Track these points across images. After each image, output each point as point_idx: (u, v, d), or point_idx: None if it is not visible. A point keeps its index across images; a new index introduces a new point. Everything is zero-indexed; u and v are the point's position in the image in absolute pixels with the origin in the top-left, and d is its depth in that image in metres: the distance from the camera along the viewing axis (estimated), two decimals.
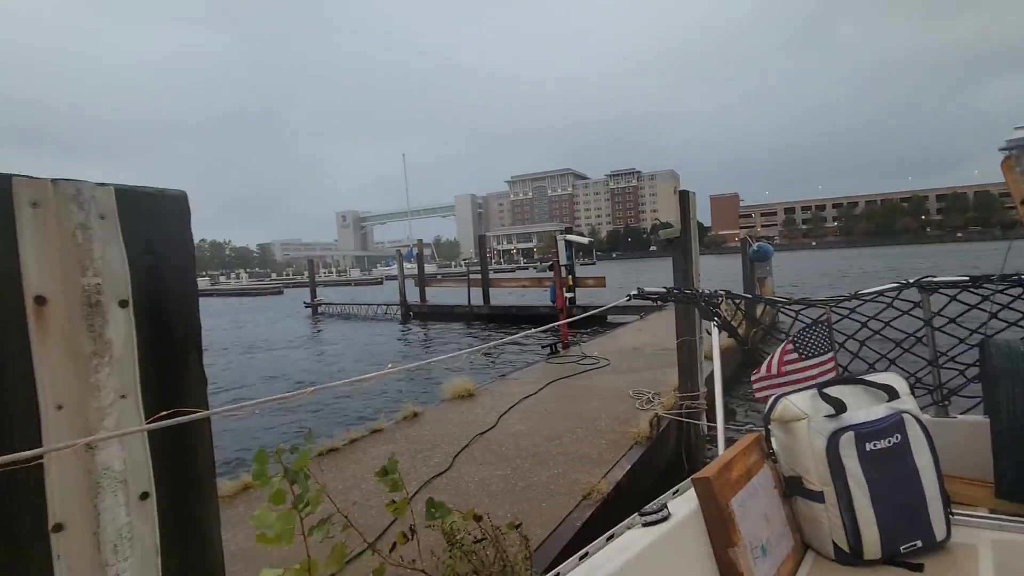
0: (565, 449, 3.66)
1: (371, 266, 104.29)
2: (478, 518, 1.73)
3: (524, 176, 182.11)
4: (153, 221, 0.86)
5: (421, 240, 25.39)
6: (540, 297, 16.36)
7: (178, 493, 0.87)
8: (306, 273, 31.66)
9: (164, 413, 0.82)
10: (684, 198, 4.32)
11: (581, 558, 1.21)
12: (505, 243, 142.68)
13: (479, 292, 17.76)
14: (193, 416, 0.85)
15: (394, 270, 25.58)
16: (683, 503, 1.41)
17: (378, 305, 21.86)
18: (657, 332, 8.82)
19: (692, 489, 1.43)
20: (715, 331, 2.45)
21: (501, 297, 18.85)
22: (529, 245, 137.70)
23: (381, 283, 57.08)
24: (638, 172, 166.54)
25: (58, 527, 0.73)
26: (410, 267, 24.03)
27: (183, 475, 0.87)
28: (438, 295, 21.59)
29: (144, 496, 0.82)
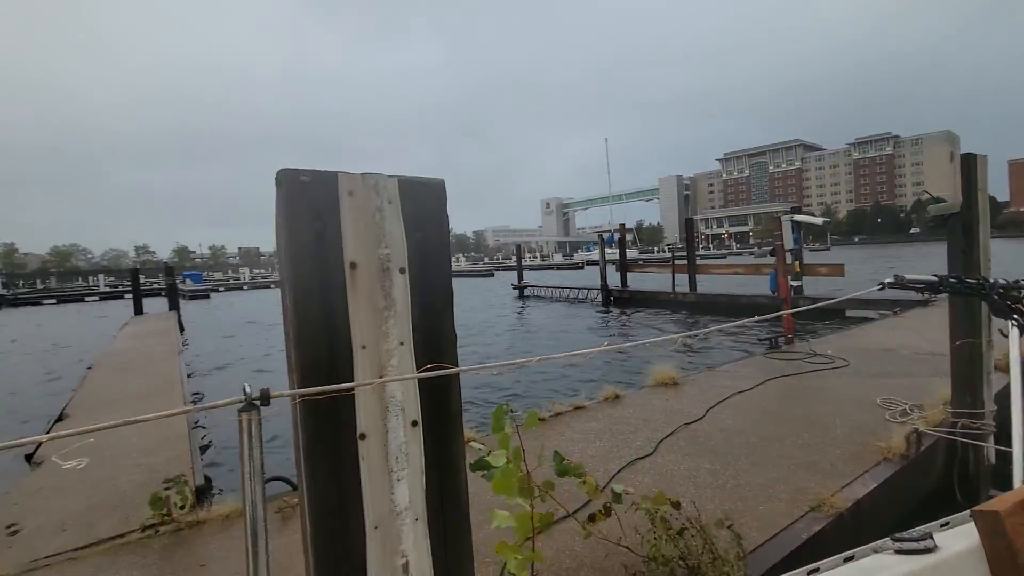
0: (787, 453, 3.28)
1: (572, 251, 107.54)
2: (676, 505, 1.68)
3: (739, 151, 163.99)
4: (421, 204, 1.05)
5: (623, 225, 25.14)
6: (757, 285, 14.72)
7: (436, 426, 1.06)
8: (514, 257, 34.32)
9: (431, 365, 1.02)
10: (968, 163, 3.38)
11: (811, 573, 1.09)
12: (715, 226, 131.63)
13: (684, 278, 16.84)
14: (452, 370, 1.03)
15: (595, 255, 25.93)
16: (956, 538, 1.15)
17: (579, 289, 22.49)
18: (919, 331, 7.16)
19: (972, 523, 1.15)
20: (1015, 334, 1.89)
21: (709, 284, 17.56)
22: (743, 228, 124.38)
23: (582, 267, 58.39)
24: (895, 137, 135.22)
25: (363, 436, 0.97)
26: (611, 252, 24.05)
27: (440, 412, 1.06)
28: (640, 281, 21.18)
29: (415, 424, 1.03)
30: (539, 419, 4.15)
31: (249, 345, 14.61)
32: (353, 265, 0.96)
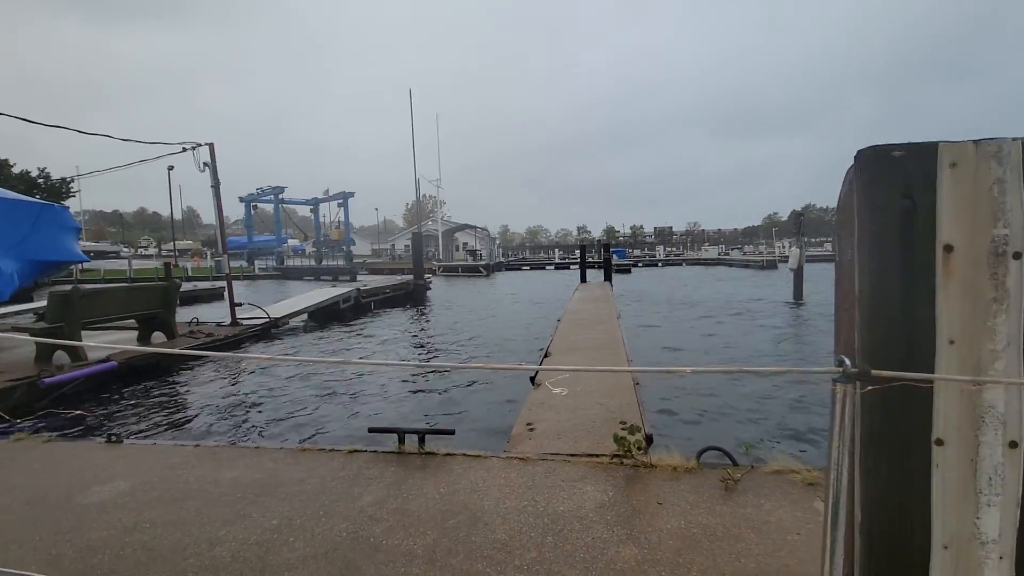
0: None
1: None
2: None
3: None
4: None
5: None
6: None
7: None
8: None
9: None
10: None
11: None
12: None
13: None
14: None
15: None
16: None
17: None
18: None
19: None
20: None
21: None
22: None
23: None
24: None
25: (939, 442, 0.86)
26: None
27: None
28: None
29: (1013, 445, 0.84)
30: None
31: (680, 332, 15.86)
32: (948, 247, 0.84)
